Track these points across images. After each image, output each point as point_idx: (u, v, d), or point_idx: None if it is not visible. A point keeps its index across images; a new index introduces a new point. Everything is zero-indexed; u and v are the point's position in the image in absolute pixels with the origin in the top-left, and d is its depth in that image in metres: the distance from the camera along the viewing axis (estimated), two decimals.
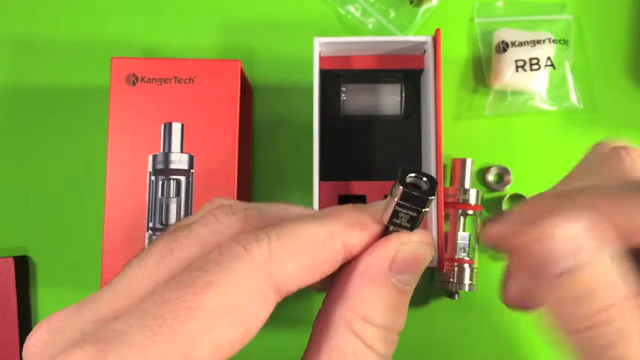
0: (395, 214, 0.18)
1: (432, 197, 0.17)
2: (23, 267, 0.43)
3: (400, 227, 0.18)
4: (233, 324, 0.15)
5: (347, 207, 0.19)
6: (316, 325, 0.18)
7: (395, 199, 0.17)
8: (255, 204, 0.19)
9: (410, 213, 0.17)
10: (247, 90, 0.43)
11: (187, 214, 0.37)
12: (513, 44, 0.44)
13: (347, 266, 0.18)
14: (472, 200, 0.41)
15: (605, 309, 0.17)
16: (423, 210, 0.17)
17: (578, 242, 0.18)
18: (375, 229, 0.18)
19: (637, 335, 0.17)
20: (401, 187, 0.17)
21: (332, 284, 0.19)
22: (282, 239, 0.16)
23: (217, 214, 0.18)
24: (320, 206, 0.37)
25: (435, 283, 0.41)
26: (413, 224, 0.18)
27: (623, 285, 0.17)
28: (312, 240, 0.17)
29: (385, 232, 0.18)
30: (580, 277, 0.17)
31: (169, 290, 0.15)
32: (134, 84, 0.38)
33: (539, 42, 0.44)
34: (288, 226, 0.17)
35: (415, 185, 0.17)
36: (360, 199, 0.39)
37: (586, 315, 0.17)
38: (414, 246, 0.18)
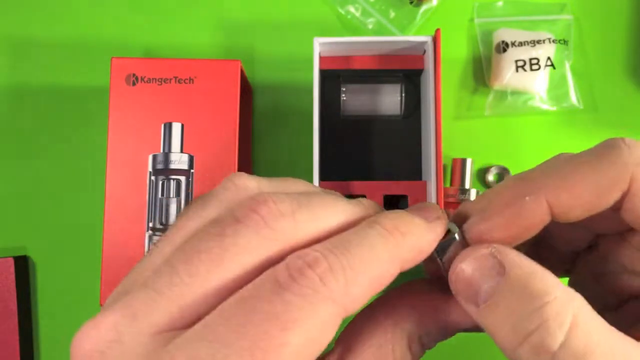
0: (445, 265, 0.20)
1: (455, 233, 0.20)
2: (23, 267, 0.43)
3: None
4: (312, 354, 0.16)
5: (398, 222, 0.19)
6: (377, 315, 0.19)
7: (439, 258, 0.20)
8: (295, 196, 0.19)
9: (452, 251, 0.20)
10: (247, 90, 0.43)
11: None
12: (513, 44, 0.44)
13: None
14: None
15: (538, 310, 0.17)
16: (458, 242, 0.20)
17: (490, 262, 0.18)
18: (426, 245, 0.19)
19: (583, 324, 0.17)
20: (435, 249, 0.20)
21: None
22: (354, 271, 0.17)
23: (265, 215, 0.18)
24: None
25: None
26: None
27: (549, 284, 0.17)
28: (379, 268, 0.17)
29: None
30: (505, 289, 0.17)
31: (250, 321, 0.15)
32: (134, 84, 0.38)
33: (539, 42, 0.44)
34: (357, 251, 0.17)
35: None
36: None
37: (523, 320, 0.17)
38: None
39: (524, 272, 0.18)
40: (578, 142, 0.45)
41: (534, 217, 0.19)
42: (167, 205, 0.37)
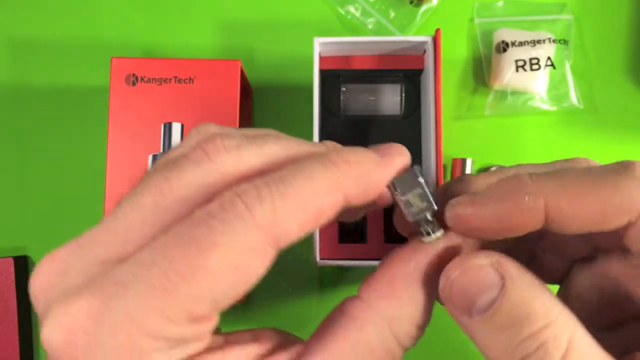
0: (407, 204, 0.19)
1: (417, 166, 0.19)
2: (23, 267, 0.43)
3: (422, 211, 0.19)
4: (235, 282, 0.16)
5: (346, 153, 0.18)
6: (347, 311, 0.18)
7: (397, 193, 0.19)
8: (249, 135, 0.19)
9: (415, 192, 0.19)
10: (247, 90, 0.43)
11: None
12: (513, 44, 0.44)
13: (388, 267, 0.19)
14: None
15: (538, 332, 0.16)
16: (421, 181, 0.19)
17: (492, 274, 0.17)
18: (375, 177, 0.18)
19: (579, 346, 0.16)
20: (391, 182, 0.19)
21: (373, 280, 0.19)
22: (285, 199, 0.16)
23: (209, 150, 0.18)
24: None
25: None
26: (428, 200, 0.19)
27: (548, 304, 0.17)
28: (315, 197, 0.17)
29: (417, 227, 0.19)
30: (504, 305, 0.17)
31: (173, 245, 0.15)
32: (133, 84, 0.38)
33: (539, 42, 0.44)
34: (291, 180, 0.17)
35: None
36: None
37: (521, 341, 0.16)
38: (457, 244, 0.19)
39: (524, 290, 0.17)
40: (578, 142, 0.45)
41: (528, 219, 0.18)
42: None
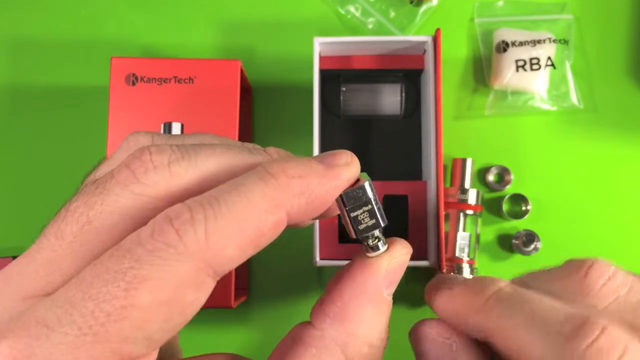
0: (355, 221, 0.18)
1: (366, 179, 0.18)
2: None
3: (369, 229, 0.18)
4: (168, 317, 0.14)
5: (288, 165, 0.16)
6: (304, 339, 0.18)
7: (345, 210, 0.18)
8: (181, 145, 0.17)
9: (365, 209, 0.18)
10: (247, 90, 0.43)
11: None
12: (513, 43, 0.44)
13: (338, 284, 0.18)
14: (472, 200, 0.41)
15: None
16: (371, 197, 0.18)
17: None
18: (321, 192, 0.17)
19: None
20: (339, 196, 0.17)
21: (324, 302, 0.18)
22: (219, 220, 0.15)
23: (135, 169, 0.16)
24: None
25: None
26: (377, 217, 0.18)
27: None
28: (254, 218, 0.15)
29: (362, 242, 0.18)
30: None
31: (99, 281, 0.14)
32: (133, 83, 0.38)
33: (539, 42, 0.44)
34: (226, 199, 0.15)
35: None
36: None
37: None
38: (403, 258, 0.19)
39: None
40: (578, 142, 0.45)
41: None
42: None
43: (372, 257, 0.18)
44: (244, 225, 0.15)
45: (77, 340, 0.14)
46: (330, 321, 0.18)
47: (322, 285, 0.43)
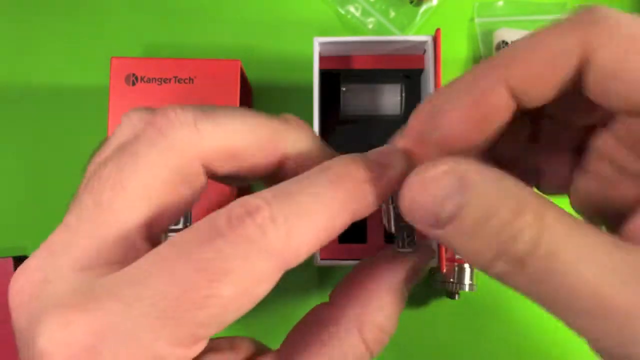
0: (398, 217, 0.20)
1: None
2: None
3: (407, 227, 0.20)
4: (242, 306, 0.15)
5: (351, 168, 0.17)
6: (322, 318, 0.19)
7: (391, 205, 0.20)
8: (207, 109, 0.18)
9: None
10: (247, 90, 0.43)
11: (186, 215, 0.37)
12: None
13: (361, 275, 0.19)
14: None
15: (509, 224, 0.15)
16: None
17: (453, 179, 0.16)
18: (378, 195, 0.17)
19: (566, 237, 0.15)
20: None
21: (345, 287, 0.19)
22: (299, 221, 0.15)
23: (162, 126, 0.16)
24: None
25: (435, 283, 0.41)
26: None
27: (520, 194, 0.15)
28: (328, 220, 0.16)
29: (396, 237, 0.20)
30: (469, 209, 0.15)
31: (181, 268, 0.14)
32: (133, 83, 0.38)
33: None
34: (301, 199, 0.16)
35: None
36: None
37: (494, 239, 0.15)
38: (427, 260, 0.21)
39: (488, 188, 0.15)
40: None
41: (494, 101, 0.17)
42: None
43: (402, 252, 0.20)
44: (320, 228, 0.16)
45: (160, 323, 0.14)
46: (352, 304, 0.19)
47: (322, 285, 0.43)
